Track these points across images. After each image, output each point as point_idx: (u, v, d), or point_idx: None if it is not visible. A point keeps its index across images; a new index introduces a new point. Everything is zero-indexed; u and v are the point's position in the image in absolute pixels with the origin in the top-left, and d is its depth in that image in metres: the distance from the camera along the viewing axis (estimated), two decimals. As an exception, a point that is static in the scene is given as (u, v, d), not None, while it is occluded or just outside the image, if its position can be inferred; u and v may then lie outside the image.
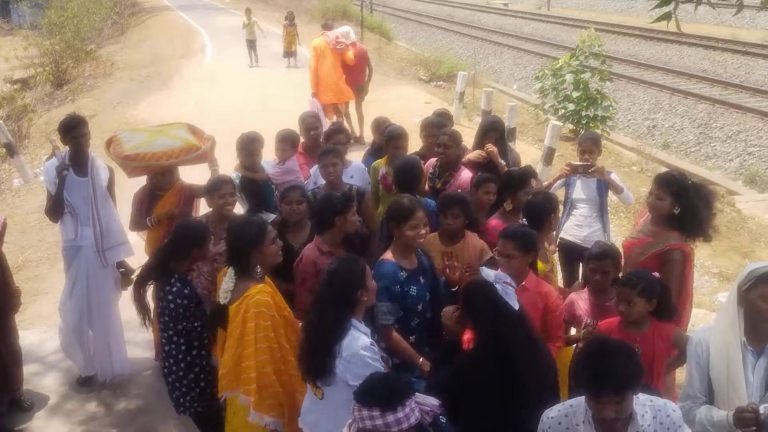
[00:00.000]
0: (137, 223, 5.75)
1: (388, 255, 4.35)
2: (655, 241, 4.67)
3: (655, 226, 4.77)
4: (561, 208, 6.14)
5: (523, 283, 4.27)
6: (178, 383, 4.50)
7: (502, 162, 6.07)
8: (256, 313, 3.88)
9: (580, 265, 6.34)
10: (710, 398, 3.39)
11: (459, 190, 5.52)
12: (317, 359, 3.53)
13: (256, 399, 3.89)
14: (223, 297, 4.10)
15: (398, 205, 4.38)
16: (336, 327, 3.53)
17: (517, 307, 3.69)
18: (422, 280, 4.38)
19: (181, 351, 4.44)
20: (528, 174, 5.46)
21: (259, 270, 4.08)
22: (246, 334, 3.88)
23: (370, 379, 3.00)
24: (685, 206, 4.59)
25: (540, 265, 4.67)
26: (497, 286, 3.69)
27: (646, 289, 4.04)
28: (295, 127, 6.65)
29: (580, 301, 4.67)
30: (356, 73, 12.20)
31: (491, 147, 6.07)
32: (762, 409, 3.09)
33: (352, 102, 12.51)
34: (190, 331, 4.44)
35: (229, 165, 6.24)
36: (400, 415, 2.83)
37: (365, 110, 12.36)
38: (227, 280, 4.13)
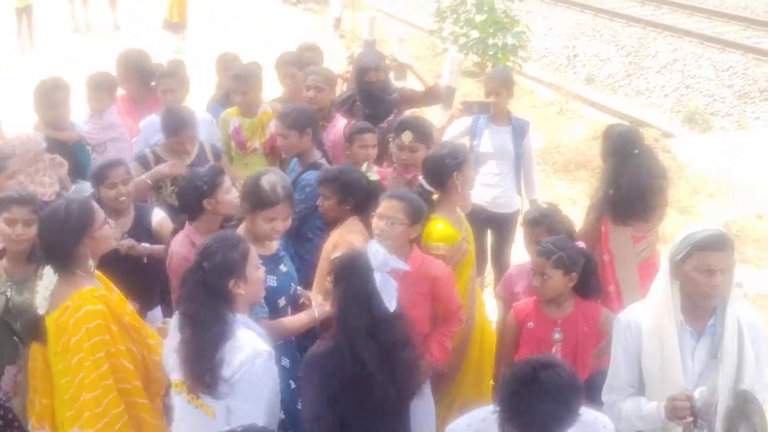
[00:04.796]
0: None
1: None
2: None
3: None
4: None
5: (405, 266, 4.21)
6: None
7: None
8: (89, 330, 3.70)
9: (488, 234, 6.49)
10: (641, 391, 3.53)
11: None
12: (198, 367, 3.39)
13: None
14: (41, 305, 3.88)
15: (256, 187, 4.24)
16: (215, 321, 3.41)
17: (393, 308, 3.68)
18: (284, 268, 4.35)
19: None
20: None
21: (90, 264, 3.88)
22: (82, 359, 3.69)
23: None
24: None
25: (453, 232, 4.67)
26: (377, 274, 3.67)
27: (564, 261, 4.16)
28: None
29: (520, 276, 4.76)
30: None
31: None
32: (697, 394, 3.25)
33: None
34: None
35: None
36: None
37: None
38: (45, 282, 3.91)
